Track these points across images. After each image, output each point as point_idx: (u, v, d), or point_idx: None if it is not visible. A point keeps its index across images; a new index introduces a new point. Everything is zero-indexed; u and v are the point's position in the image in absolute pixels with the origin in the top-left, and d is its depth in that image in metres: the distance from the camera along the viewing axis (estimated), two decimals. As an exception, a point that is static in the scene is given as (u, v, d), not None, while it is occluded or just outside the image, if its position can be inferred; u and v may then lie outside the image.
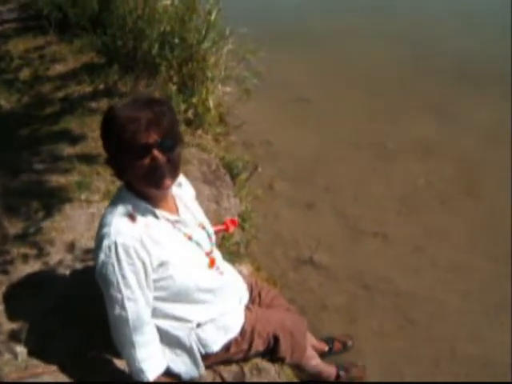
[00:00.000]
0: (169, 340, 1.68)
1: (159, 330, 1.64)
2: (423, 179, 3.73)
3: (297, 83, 4.83)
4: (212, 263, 1.72)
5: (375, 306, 2.85)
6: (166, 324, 1.66)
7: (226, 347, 1.82)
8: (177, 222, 1.62)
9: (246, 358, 1.93)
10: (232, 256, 2.59)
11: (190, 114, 3.69)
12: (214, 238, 1.79)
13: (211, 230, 1.79)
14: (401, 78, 5.00)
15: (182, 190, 1.73)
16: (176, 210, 1.66)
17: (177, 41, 3.80)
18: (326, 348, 2.59)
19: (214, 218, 2.72)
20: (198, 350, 1.73)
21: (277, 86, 4.65)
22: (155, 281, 1.53)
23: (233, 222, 2.59)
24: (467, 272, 3.06)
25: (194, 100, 3.74)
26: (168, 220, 1.59)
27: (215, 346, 1.77)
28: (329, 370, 2.41)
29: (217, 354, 1.79)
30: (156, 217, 1.56)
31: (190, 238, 1.64)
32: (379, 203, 3.55)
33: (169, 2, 3.93)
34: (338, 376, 2.43)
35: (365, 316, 2.81)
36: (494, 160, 3.92)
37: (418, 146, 4.09)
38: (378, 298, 2.89)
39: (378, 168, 3.87)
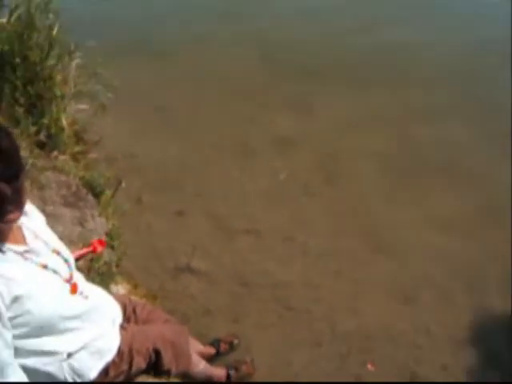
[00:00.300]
0: (39, 377, 1.59)
1: (27, 369, 1.54)
2: (285, 173, 3.90)
3: (153, 93, 4.78)
4: (74, 289, 1.65)
5: (255, 301, 2.93)
6: (34, 361, 1.56)
7: (105, 372, 1.75)
8: (26, 252, 1.52)
9: (128, 378, 1.88)
10: (104, 277, 2.51)
11: (42, 135, 3.49)
12: (72, 262, 1.72)
13: (68, 254, 1.71)
14: (255, 78, 5.15)
15: (29, 218, 1.63)
16: (24, 241, 1.56)
17: (18, 60, 3.58)
18: (213, 351, 2.61)
19: (80, 241, 2.62)
20: (74, 380, 1.65)
21: (133, 98, 4.57)
22: (11, 318, 1.43)
23: (100, 242, 2.52)
24: (336, 254, 3.25)
25: (45, 121, 3.55)
26: (16, 252, 1.49)
27: (92, 372, 1.70)
28: (218, 373, 2.43)
29: (95, 380, 1.72)
30: (2, 251, 1.46)
31: (44, 267, 1.55)
32: (248, 200, 3.65)
33: (5, 20, 3.70)
34: (228, 376, 2.47)
35: (247, 312, 2.88)
36: (349, 148, 4.20)
37: (278, 142, 4.25)
38: (256, 292, 2.98)
39: (243, 167, 3.97)
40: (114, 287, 2.65)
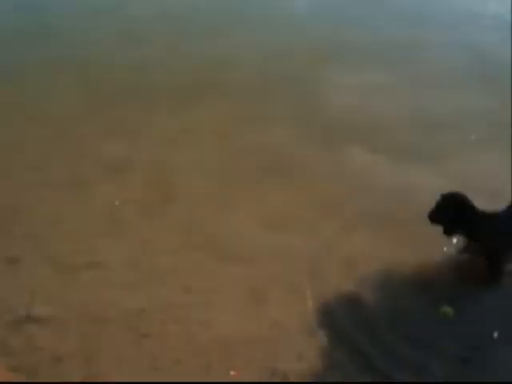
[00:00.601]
0: None
1: None
2: (121, 198, 3.83)
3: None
4: None
5: (108, 336, 2.82)
6: None
7: None
8: None
9: None
10: None
11: None
12: None
13: None
14: (75, 106, 4.97)
15: None
16: None
17: None
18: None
19: None
20: None
21: None
22: None
23: None
24: (183, 271, 3.26)
25: None
26: None
27: None
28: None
29: None
30: None
31: None
32: (85, 234, 3.51)
33: None
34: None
35: (101, 349, 2.76)
36: (179, 164, 4.26)
37: (109, 168, 4.14)
38: (108, 326, 2.87)
39: (76, 200, 3.80)
40: None
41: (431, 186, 3.29)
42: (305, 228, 3.63)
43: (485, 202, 3.25)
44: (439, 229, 3.23)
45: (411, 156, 4.40)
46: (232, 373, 2.71)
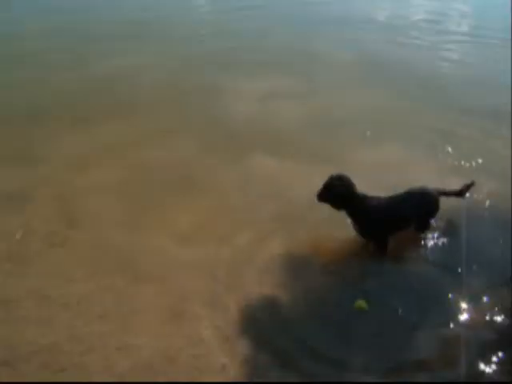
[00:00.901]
0: None
1: None
2: (22, 230, 3.67)
3: None
4: None
5: (20, 376, 2.69)
6: None
7: None
8: None
9: None
10: None
11: None
12: None
13: None
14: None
15: None
16: None
17: None
18: None
19: None
20: None
21: None
22: None
23: None
24: (97, 297, 3.17)
25: None
26: None
27: None
28: None
29: None
30: None
31: None
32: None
33: None
34: None
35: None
36: (84, 187, 4.17)
37: (7, 199, 3.97)
38: (21, 368, 2.74)
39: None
40: None
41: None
42: (216, 239, 3.63)
43: (380, 193, 3.44)
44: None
45: (311, 157, 4.57)
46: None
